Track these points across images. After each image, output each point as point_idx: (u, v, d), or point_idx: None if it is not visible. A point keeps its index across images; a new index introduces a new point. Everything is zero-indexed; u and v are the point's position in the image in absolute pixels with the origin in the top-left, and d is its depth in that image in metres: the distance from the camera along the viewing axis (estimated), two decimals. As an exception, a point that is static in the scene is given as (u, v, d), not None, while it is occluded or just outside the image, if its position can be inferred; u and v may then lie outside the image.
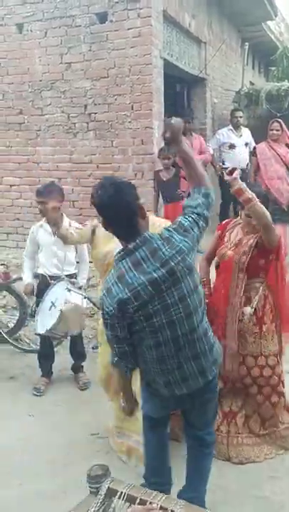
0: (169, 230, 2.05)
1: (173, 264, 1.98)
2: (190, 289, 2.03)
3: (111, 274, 2.06)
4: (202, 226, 2.09)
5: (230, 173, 2.75)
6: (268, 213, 2.74)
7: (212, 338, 2.20)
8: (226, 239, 2.99)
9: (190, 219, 2.06)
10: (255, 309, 2.88)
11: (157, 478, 2.34)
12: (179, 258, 1.99)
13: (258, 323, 2.90)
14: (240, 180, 2.73)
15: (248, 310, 2.87)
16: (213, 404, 2.36)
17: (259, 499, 2.63)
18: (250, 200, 2.68)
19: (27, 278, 3.95)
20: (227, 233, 3.02)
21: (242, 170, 6.37)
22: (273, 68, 10.66)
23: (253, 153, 6.22)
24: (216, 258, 3.06)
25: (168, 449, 2.41)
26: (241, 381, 2.95)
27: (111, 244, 2.76)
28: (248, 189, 2.70)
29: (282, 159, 5.94)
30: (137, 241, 2.00)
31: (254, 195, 2.70)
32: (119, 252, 2.06)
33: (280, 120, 6.06)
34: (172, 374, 2.11)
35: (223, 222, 3.23)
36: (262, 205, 2.71)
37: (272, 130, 5.94)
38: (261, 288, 2.91)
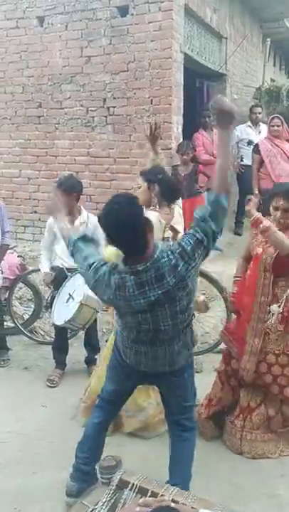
0: (174, 256, 2.04)
1: (173, 291, 2.06)
2: (183, 307, 2.14)
3: (110, 270, 2.11)
4: (210, 245, 2.09)
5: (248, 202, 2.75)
6: (286, 241, 2.69)
7: (188, 340, 2.32)
8: (259, 236, 2.92)
9: (193, 242, 2.05)
10: (282, 308, 2.85)
11: (83, 453, 2.51)
12: (181, 286, 2.06)
13: (283, 321, 2.84)
14: (255, 212, 2.76)
15: (276, 309, 2.83)
16: (186, 388, 2.41)
17: (270, 497, 2.61)
18: (267, 229, 2.68)
19: (45, 268, 3.97)
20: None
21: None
22: (295, 65, 10.54)
23: (255, 150, 6.07)
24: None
25: (105, 433, 2.60)
26: (261, 378, 2.90)
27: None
28: (264, 219, 2.71)
29: (287, 156, 5.83)
30: (148, 264, 2.03)
31: (271, 224, 2.70)
32: (127, 266, 2.07)
33: (280, 116, 5.97)
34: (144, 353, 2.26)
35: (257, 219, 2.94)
36: (281, 234, 2.68)
37: (273, 126, 5.84)
38: None
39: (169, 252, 2.05)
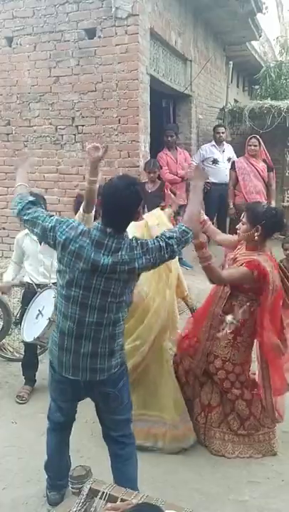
0: (136, 242, 2.24)
1: (119, 269, 2.18)
2: (116, 293, 2.22)
3: (79, 224, 2.28)
4: (164, 256, 2.26)
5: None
6: (217, 273, 2.76)
7: (118, 346, 2.35)
8: (236, 251, 3.06)
9: (157, 244, 2.24)
10: (236, 321, 2.96)
11: (52, 472, 2.57)
12: (127, 268, 2.18)
13: (234, 332, 2.96)
14: (204, 235, 2.92)
15: (230, 319, 2.96)
16: (122, 400, 2.39)
17: (238, 503, 2.69)
18: (205, 259, 2.72)
19: (8, 277, 3.99)
20: (238, 249, 3.07)
21: (225, 184, 6.57)
22: (257, 86, 10.96)
23: (232, 167, 6.41)
24: None
25: (68, 447, 2.65)
26: (210, 376, 3.09)
27: None
28: (206, 248, 2.75)
29: (260, 174, 6.15)
30: (115, 233, 2.19)
31: (211, 255, 2.75)
32: (99, 223, 2.25)
33: (257, 136, 6.30)
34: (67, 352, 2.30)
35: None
36: (213, 268, 2.75)
37: (250, 146, 6.19)
38: (248, 304, 2.93)
39: (134, 239, 2.26)
